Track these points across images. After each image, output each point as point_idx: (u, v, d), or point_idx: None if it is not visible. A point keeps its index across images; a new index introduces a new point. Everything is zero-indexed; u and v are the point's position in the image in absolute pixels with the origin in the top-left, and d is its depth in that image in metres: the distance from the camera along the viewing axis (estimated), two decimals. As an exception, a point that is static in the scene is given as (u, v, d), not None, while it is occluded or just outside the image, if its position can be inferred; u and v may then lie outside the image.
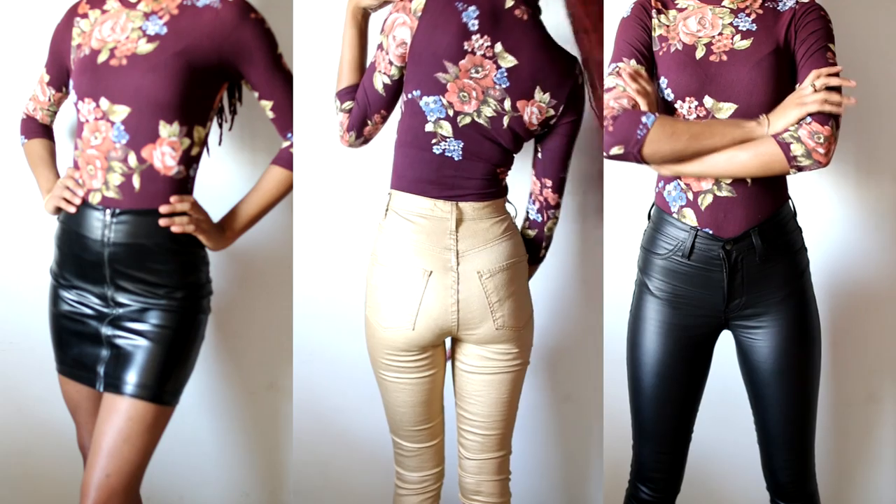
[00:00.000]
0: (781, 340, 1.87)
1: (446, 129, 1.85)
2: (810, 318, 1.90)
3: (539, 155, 1.97)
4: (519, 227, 2.00)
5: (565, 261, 2.40)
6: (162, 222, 1.88)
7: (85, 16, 1.96)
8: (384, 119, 1.91)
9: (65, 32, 1.98)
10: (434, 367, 1.92)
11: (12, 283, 2.35)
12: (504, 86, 1.85)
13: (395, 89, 1.88)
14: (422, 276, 1.83)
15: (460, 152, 1.87)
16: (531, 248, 2.00)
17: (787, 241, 1.88)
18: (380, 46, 1.88)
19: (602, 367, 2.33)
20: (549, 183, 1.97)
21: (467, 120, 1.86)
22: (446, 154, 1.87)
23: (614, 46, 1.92)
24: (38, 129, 2.12)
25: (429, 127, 1.85)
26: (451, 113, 1.85)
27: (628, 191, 2.29)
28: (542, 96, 1.88)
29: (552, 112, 1.90)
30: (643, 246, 1.96)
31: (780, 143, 1.73)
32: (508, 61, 1.85)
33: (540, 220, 1.99)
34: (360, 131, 1.91)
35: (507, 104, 1.86)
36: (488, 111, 1.86)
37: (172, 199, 1.89)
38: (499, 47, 1.85)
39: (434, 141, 1.86)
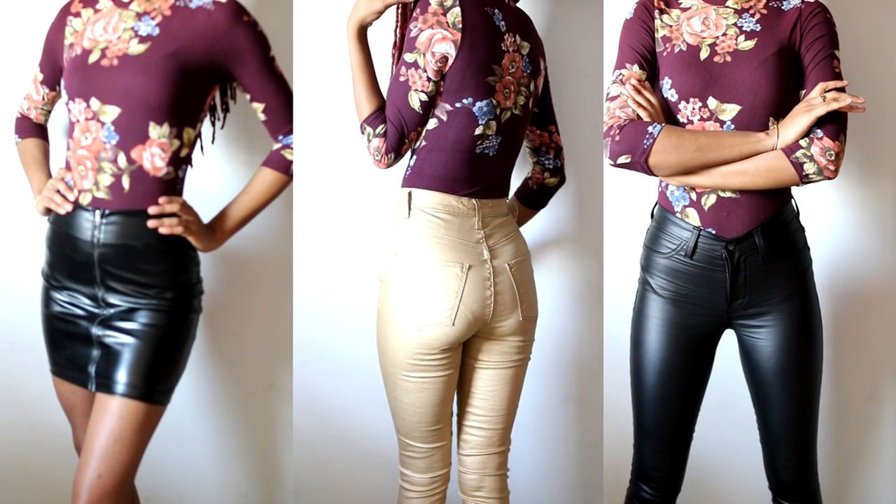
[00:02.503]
0: (784, 340, 1.86)
1: (493, 127, 1.90)
2: (813, 318, 1.90)
3: (537, 110, 2.06)
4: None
5: (565, 261, 2.40)
6: (150, 223, 1.87)
7: (77, 15, 1.96)
8: (419, 135, 1.89)
9: (58, 31, 1.98)
10: (454, 366, 1.93)
11: (12, 283, 2.35)
12: (528, 71, 1.95)
13: (430, 104, 1.87)
14: (461, 270, 1.85)
15: (496, 148, 1.92)
16: (548, 194, 2.14)
17: (789, 240, 1.88)
18: (413, 65, 1.84)
19: (602, 367, 2.33)
20: (554, 128, 2.10)
21: (508, 115, 1.91)
22: (485, 152, 1.91)
23: (618, 50, 1.92)
24: (32, 129, 2.12)
25: (478, 130, 1.88)
26: (498, 112, 1.89)
27: (628, 191, 2.29)
28: (543, 65, 2.03)
29: (545, 72, 2.05)
30: (646, 244, 1.96)
31: (794, 162, 1.74)
32: (525, 48, 1.95)
33: (559, 163, 2.11)
34: (399, 151, 1.88)
35: (532, 86, 1.96)
36: (521, 100, 1.94)
37: (161, 199, 1.89)
38: (518, 39, 1.93)
39: (479, 142, 1.89)
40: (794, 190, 1.91)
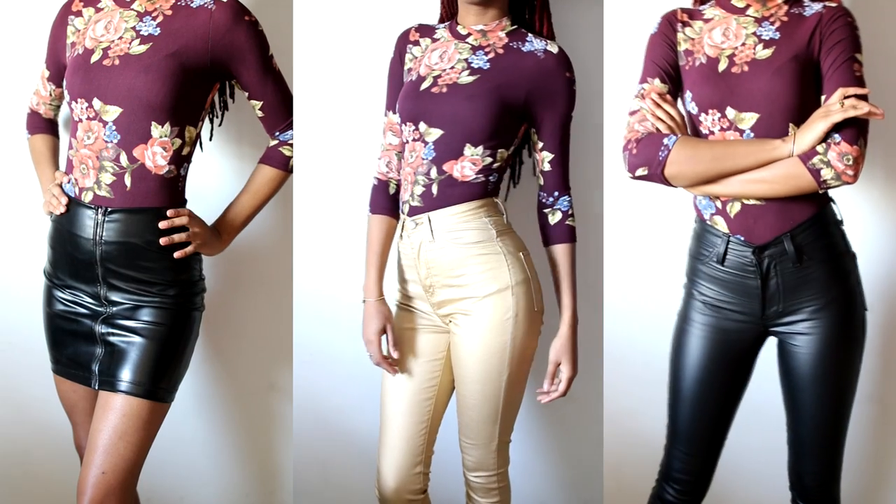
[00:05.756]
0: (822, 347, 1.83)
1: None
2: (853, 326, 1.86)
3: None
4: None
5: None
6: (162, 241, 1.89)
7: (79, 14, 1.97)
8: None
9: (60, 30, 1.99)
10: None
11: (11, 283, 2.35)
12: None
13: None
14: None
15: None
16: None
17: (825, 245, 1.84)
18: None
19: (602, 367, 2.33)
20: None
21: None
22: None
23: (642, 64, 1.93)
24: (41, 125, 2.13)
25: None
26: None
27: (628, 191, 2.29)
28: None
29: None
30: (689, 251, 1.96)
31: (811, 169, 1.72)
32: None
33: None
34: None
35: None
36: None
37: (169, 213, 1.90)
38: None
39: None
40: (838, 194, 1.87)
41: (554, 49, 1.95)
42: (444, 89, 1.93)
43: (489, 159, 1.93)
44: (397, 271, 2.03)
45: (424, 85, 1.95)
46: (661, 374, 2.33)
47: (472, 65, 1.95)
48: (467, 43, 1.98)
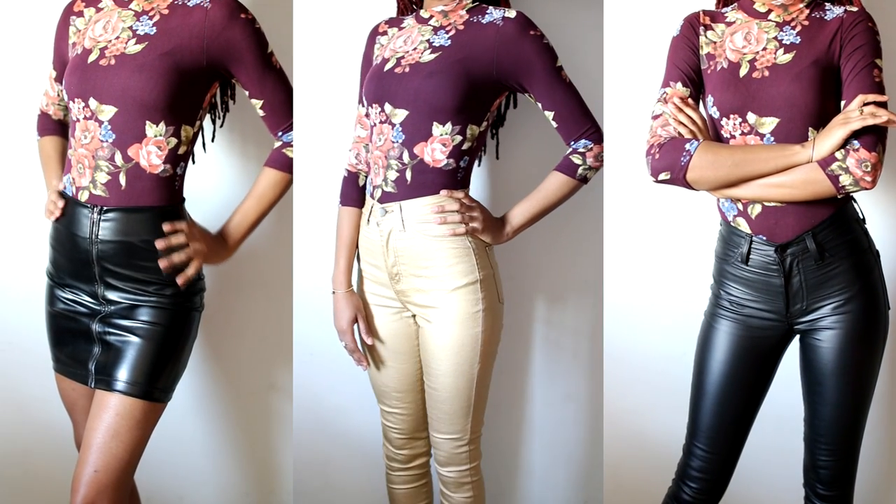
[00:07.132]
0: (845, 342, 1.84)
1: None
2: (875, 323, 1.87)
3: None
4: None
5: (565, 260, 2.40)
6: (162, 265, 1.88)
7: (80, 14, 1.97)
8: None
9: (63, 30, 2.00)
10: None
11: (11, 283, 2.35)
12: None
13: None
14: None
15: None
16: None
17: (848, 242, 1.85)
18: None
19: (602, 367, 2.33)
20: None
21: None
22: None
23: (665, 68, 1.93)
24: (51, 126, 2.13)
25: None
26: None
27: (628, 191, 2.29)
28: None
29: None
30: (715, 253, 1.97)
31: (830, 175, 1.73)
32: None
33: None
34: None
35: None
36: None
37: (165, 228, 1.89)
38: None
39: None
40: (859, 193, 1.86)
41: (511, 14, 1.95)
42: (407, 69, 1.95)
43: (459, 137, 1.94)
44: (358, 255, 2.08)
45: (388, 66, 1.98)
46: (661, 374, 2.34)
47: (434, 44, 1.96)
48: (430, 25, 2.00)
